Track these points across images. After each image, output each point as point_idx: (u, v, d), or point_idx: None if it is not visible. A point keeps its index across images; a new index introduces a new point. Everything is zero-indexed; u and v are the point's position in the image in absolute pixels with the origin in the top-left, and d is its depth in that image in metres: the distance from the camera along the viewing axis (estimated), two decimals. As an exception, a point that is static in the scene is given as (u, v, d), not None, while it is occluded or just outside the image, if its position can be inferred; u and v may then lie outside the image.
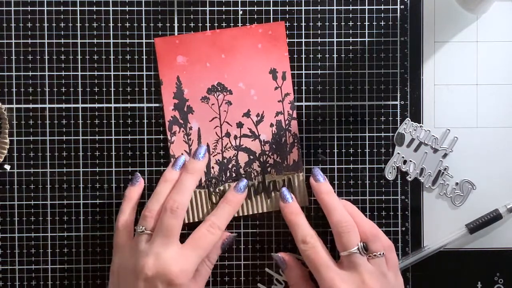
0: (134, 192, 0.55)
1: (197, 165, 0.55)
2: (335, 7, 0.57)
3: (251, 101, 0.56)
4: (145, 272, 0.49)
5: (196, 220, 0.56)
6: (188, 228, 0.55)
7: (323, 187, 0.54)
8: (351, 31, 0.57)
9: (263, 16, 0.57)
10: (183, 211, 0.52)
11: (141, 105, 0.56)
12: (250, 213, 0.57)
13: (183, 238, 0.52)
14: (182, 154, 0.56)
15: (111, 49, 0.56)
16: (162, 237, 0.51)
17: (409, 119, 0.57)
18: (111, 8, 0.56)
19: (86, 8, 0.56)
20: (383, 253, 0.52)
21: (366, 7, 0.57)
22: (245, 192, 0.56)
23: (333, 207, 0.53)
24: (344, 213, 0.52)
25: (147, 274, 0.49)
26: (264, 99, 0.56)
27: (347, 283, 0.50)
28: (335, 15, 0.57)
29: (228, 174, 0.56)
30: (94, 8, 0.56)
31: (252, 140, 0.57)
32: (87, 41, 0.56)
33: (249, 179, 0.56)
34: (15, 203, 0.56)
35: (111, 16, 0.56)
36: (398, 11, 0.57)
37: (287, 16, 0.57)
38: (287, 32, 0.57)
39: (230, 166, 0.56)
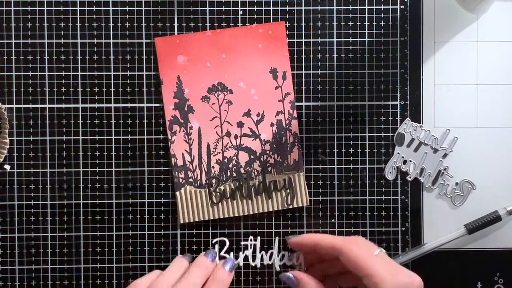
0: None
1: None
2: (335, 7, 0.57)
3: (252, 100, 0.56)
4: None
5: (196, 219, 0.56)
6: (188, 228, 0.55)
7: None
8: (351, 31, 0.57)
9: (263, 16, 0.57)
10: None
11: (141, 105, 0.56)
12: (251, 213, 0.56)
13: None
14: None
15: (111, 49, 0.56)
16: None
17: (409, 119, 0.57)
18: (111, 8, 0.56)
19: (86, 8, 0.56)
20: None
21: (366, 7, 0.57)
22: None
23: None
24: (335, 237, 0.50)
25: None
26: (265, 98, 0.56)
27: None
28: (335, 15, 0.57)
29: (228, 174, 0.56)
30: (94, 8, 0.56)
31: (252, 140, 0.57)
32: (87, 41, 0.56)
33: (249, 178, 0.56)
34: (15, 203, 0.56)
35: (111, 16, 0.56)
36: (398, 11, 0.57)
37: (287, 16, 0.57)
38: (287, 32, 0.57)
39: (230, 165, 0.56)
